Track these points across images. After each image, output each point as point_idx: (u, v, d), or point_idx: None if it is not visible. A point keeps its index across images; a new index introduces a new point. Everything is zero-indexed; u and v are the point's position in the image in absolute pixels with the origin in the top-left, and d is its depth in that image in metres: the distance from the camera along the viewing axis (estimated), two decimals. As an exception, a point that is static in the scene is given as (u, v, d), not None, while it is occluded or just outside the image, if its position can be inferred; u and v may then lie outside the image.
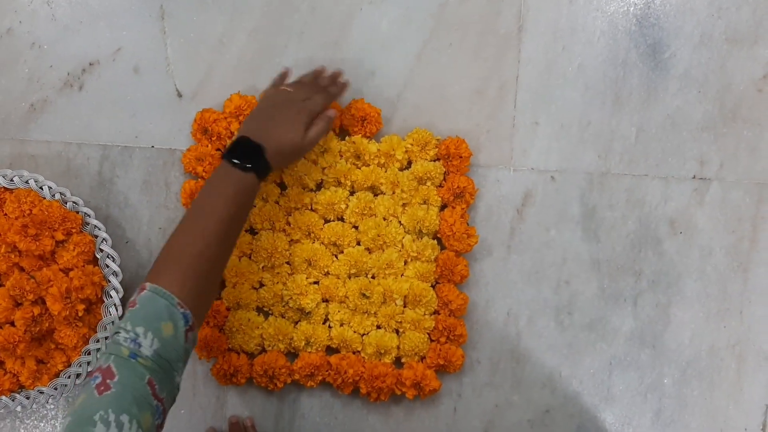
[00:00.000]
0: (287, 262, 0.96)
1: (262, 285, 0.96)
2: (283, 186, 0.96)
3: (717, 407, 1.02)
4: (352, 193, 0.96)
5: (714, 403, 1.02)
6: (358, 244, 0.96)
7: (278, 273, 0.95)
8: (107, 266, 0.91)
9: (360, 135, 0.96)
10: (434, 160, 0.96)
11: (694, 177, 1.01)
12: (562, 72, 0.99)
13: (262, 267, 0.95)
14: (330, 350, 0.97)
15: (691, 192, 1.01)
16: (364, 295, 0.94)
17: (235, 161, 0.79)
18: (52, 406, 0.98)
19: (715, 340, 1.02)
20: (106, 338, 0.91)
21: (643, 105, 1.00)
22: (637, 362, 1.01)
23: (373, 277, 0.96)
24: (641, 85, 1.00)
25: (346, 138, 0.96)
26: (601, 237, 1.00)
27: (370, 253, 0.96)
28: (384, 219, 0.95)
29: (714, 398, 1.02)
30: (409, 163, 0.97)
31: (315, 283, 0.96)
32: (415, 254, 0.95)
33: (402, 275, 0.96)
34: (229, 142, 0.94)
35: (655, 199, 1.01)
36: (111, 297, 0.91)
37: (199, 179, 0.95)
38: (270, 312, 0.96)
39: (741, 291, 1.02)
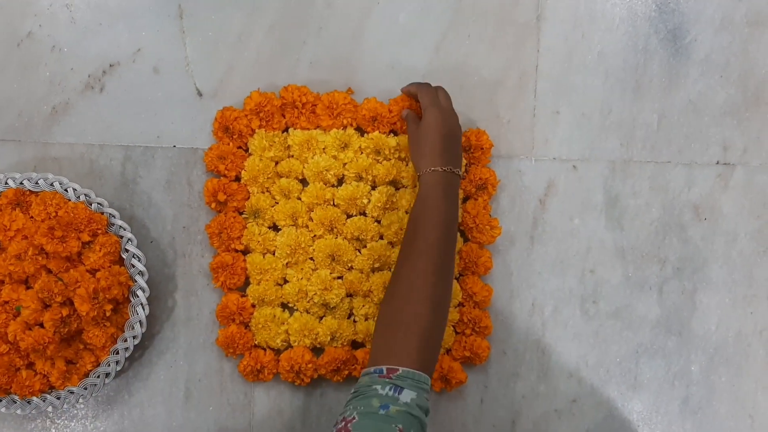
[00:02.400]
0: (311, 258, 0.96)
1: (286, 281, 0.96)
2: (304, 182, 0.96)
3: (745, 393, 1.02)
4: (373, 188, 0.96)
5: (742, 390, 1.02)
6: (381, 238, 0.96)
7: (302, 269, 0.96)
8: (133, 266, 0.92)
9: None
10: (455, 152, 0.96)
11: (717, 162, 1.00)
12: (582, 60, 0.99)
13: (286, 263, 0.96)
14: (356, 345, 0.98)
15: (714, 177, 1.00)
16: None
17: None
18: (83, 406, 0.98)
19: (742, 326, 1.01)
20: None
21: (665, 91, 0.99)
22: (663, 350, 1.01)
23: (397, 271, 0.96)
24: (662, 72, 0.99)
25: (365, 134, 0.96)
26: (625, 225, 1.00)
27: (393, 246, 0.96)
28: (406, 212, 0.95)
29: (742, 384, 1.02)
30: (430, 155, 0.97)
31: (339, 278, 0.96)
32: (438, 247, 0.95)
33: (426, 268, 0.96)
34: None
35: (679, 186, 1.00)
36: (137, 296, 0.92)
37: (222, 177, 0.95)
38: (295, 308, 0.96)
39: (767, 276, 1.01)
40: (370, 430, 0.70)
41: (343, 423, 0.71)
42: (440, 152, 0.87)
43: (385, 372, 0.75)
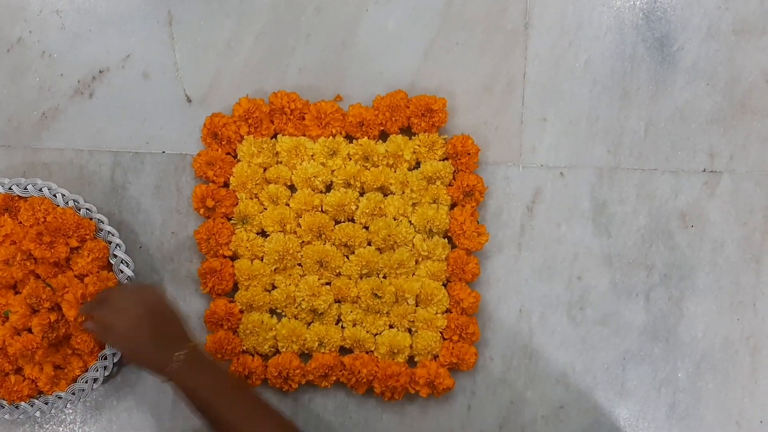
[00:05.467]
0: (299, 264, 0.96)
1: (274, 287, 0.97)
2: (293, 188, 0.97)
3: (732, 400, 1.02)
4: (361, 194, 0.97)
5: (729, 396, 1.02)
6: (369, 244, 0.96)
7: (290, 275, 0.96)
8: (121, 271, 0.92)
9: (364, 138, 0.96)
10: (443, 159, 0.96)
11: (704, 170, 1.01)
12: (570, 67, 0.99)
13: (274, 269, 0.96)
14: (343, 350, 0.98)
15: (701, 185, 1.01)
16: (376, 295, 0.95)
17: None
18: (71, 411, 0.99)
19: (729, 333, 1.02)
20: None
21: (652, 99, 1.00)
22: (650, 356, 1.01)
23: (384, 277, 0.96)
24: (649, 79, 1.00)
25: (354, 141, 0.97)
26: (612, 232, 1.00)
27: (381, 253, 0.96)
28: (394, 219, 0.96)
29: (729, 391, 1.02)
30: (418, 162, 0.97)
31: (327, 284, 0.97)
32: (426, 253, 0.95)
33: (413, 274, 0.96)
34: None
35: (666, 193, 1.00)
36: (126, 302, 0.92)
37: (210, 183, 0.95)
38: (283, 314, 0.97)
39: (754, 283, 1.02)
40: None
41: None
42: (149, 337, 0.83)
43: None
